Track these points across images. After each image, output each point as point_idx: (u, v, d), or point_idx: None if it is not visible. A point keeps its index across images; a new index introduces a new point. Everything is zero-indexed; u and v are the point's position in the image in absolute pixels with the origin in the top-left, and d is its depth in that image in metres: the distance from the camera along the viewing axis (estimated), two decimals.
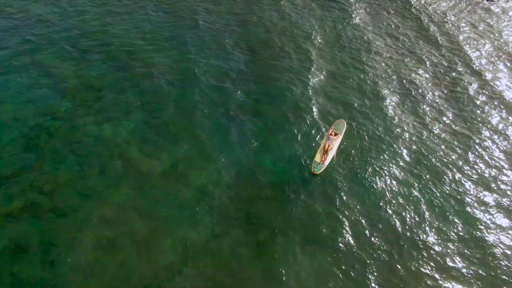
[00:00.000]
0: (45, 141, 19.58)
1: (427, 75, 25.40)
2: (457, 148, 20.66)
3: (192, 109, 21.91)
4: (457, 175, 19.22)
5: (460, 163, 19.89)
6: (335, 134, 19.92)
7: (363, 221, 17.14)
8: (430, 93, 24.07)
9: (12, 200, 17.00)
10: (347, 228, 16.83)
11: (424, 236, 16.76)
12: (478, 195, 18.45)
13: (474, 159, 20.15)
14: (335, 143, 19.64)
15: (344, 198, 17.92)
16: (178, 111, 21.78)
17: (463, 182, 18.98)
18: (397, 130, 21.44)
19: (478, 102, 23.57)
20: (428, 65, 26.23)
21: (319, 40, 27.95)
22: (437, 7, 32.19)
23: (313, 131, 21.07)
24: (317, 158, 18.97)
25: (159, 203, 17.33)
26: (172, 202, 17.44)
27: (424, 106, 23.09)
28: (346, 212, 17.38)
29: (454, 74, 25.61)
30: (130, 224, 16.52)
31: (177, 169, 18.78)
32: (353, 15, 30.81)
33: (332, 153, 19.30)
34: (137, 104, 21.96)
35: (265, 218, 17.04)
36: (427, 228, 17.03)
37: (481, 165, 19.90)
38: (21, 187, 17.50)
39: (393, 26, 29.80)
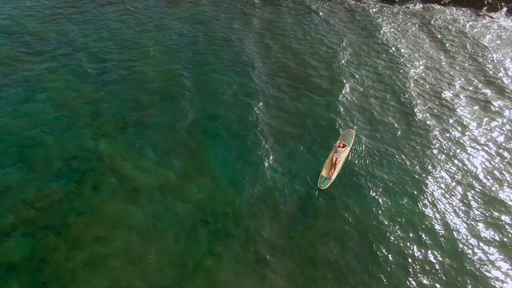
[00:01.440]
0: (40, 155, 19.10)
1: (448, 92, 24.70)
2: (476, 165, 19.84)
3: (191, 124, 21.43)
4: (476, 195, 18.35)
5: (480, 182, 18.98)
6: (343, 146, 19.24)
7: (370, 241, 16.29)
8: (451, 109, 23.33)
9: (3, 216, 16.42)
10: (353, 249, 15.99)
11: (438, 257, 15.89)
12: (495, 214, 17.59)
13: (494, 178, 19.22)
14: (343, 156, 18.95)
15: (351, 216, 17.08)
16: (177, 125, 21.28)
17: (480, 201, 18.13)
18: (412, 144, 20.68)
19: (499, 120, 22.74)
20: (448, 82, 25.56)
21: (332, 55, 27.61)
22: (453, 23, 32.13)
23: (320, 144, 20.41)
24: (324, 172, 18.26)
25: (155, 219, 16.72)
26: (169, 218, 16.83)
27: (443, 122, 22.30)
28: (353, 232, 16.54)
29: (476, 91, 24.90)
30: (125, 241, 15.89)
31: (175, 184, 18.19)
32: (375, 32, 30.69)
33: (339, 167, 18.60)
34: (134, 119, 21.51)
35: (266, 236, 16.30)
36: (439, 250, 16.14)
37: (502, 185, 18.92)
38: (13, 202, 16.94)
39: (413, 43, 29.46)
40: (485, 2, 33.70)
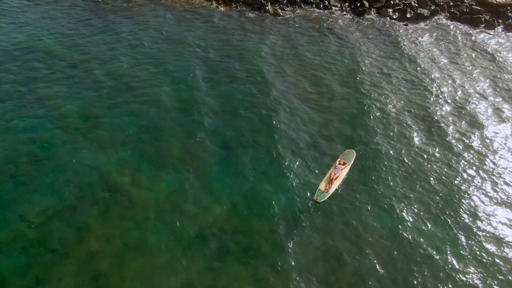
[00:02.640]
0: (37, 170, 19.06)
1: (449, 113, 24.42)
2: (487, 181, 19.66)
3: (189, 139, 21.38)
4: (474, 219, 17.93)
5: (480, 205, 18.60)
6: (343, 164, 19.37)
7: (367, 257, 16.04)
8: (462, 126, 23.19)
9: None
10: (351, 265, 15.75)
11: (445, 275, 15.58)
12: (496, 235, 17.23)
13: (494, 198, 18.87)
14: (342, 173, 19.06)
15: (350, 232, 16.93)
16: (175, 141, 21.27)
17: (489, 217, 17.88)
18: (411, 165, 20.39)
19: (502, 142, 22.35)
20: (460, 98, 25.47)
21: (344, 71, 27.70)
22: (456, 39, 32.48)
23: (319, 161, 20.35)
24: (322, 186, 18.32)
25: (152, 236, 16.52)
26: (167, 234, 16.65)
27: (444, 144, 21.93)
28: (353, 248, 16.33)
29: (489, 106, 24.86)
30: (123, 259, 15.69)
31: (173, 200, 18.06)
32: (382, 48, 30.86)
33: (337, 183, 18.65)
34: (133, 134, 21.52)
35: (264, 252, 16.08)
36: (445, 268, 15.84)
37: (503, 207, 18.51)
38: (9, 218, 16.80)
39: (421, 58, 29.62)
40: (482, 20, 34.05)
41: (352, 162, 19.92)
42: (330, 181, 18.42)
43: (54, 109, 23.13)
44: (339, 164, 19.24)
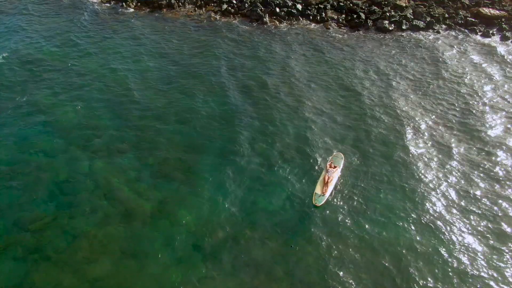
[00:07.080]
0: (35, 178, 19.20)
1: (440, 118, 24.57)
2: (474, 189, 19.57)
3: (185, 148, 21.54)
4: (477, 219, 17.98)
5: (482, 206, 18.64)
6: (334, 167, 19.57)
7: (366, 266, 15.95)
8: (442, 135, 23.21)
9: None
10: (349, 273, 15.65)
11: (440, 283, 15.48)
12: (484, 242, 17.12)
13: (479, 204, 18.81)
14: (335, 175, 19.22)
15: (347, 238, 16.90)
16: (171, 150, 21.42)
17: (483, 224, 17.82)
18: (407, 169, 20.49)
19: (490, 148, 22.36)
20: (442, 108, 25.59)
21: (313, 80, 27.98)
22: (452, 48, 32.73)
23: (311, 166, 20.49)
24: (318, 190, 18.46)
25: (148, 244, 16.57)
26: (162, 242, 16.68)
27: (433, 147, 22.13)
28: (349, 255, 16.28)
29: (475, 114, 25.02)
30: (118, 266, 15.73)
31: (169, 208, 18.13)
32: (369, 62, 31.21)
33: (332, 185, 18.81)
34: (130, 143, 21.71)
35: (261, 260, 16.04)
36: (440, 275, 15.76)
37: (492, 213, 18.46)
38: (5, 225, 16.87)
39: (411, 69, 29.83)
40: (477, 31, 34.47)
41: (341, 164, 20.14)
42: (325, 184, 18.60)
43: (53, 117, 23.38)
44: (330, 167, 19.44)
